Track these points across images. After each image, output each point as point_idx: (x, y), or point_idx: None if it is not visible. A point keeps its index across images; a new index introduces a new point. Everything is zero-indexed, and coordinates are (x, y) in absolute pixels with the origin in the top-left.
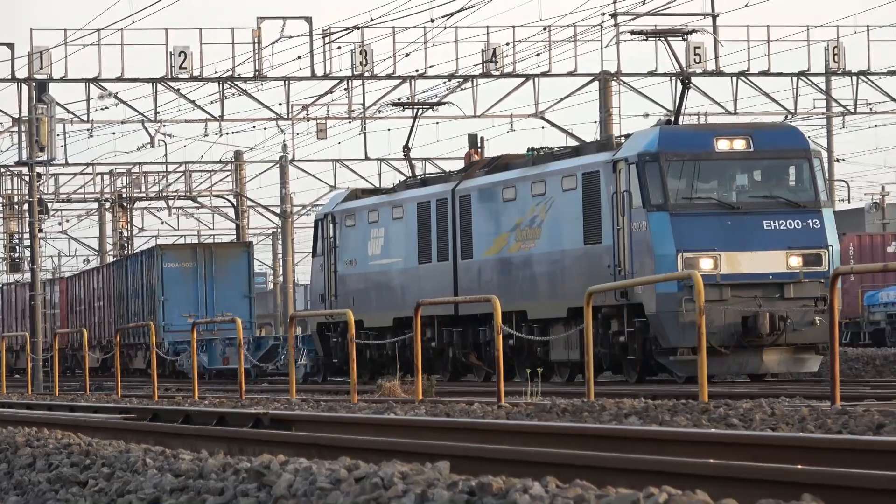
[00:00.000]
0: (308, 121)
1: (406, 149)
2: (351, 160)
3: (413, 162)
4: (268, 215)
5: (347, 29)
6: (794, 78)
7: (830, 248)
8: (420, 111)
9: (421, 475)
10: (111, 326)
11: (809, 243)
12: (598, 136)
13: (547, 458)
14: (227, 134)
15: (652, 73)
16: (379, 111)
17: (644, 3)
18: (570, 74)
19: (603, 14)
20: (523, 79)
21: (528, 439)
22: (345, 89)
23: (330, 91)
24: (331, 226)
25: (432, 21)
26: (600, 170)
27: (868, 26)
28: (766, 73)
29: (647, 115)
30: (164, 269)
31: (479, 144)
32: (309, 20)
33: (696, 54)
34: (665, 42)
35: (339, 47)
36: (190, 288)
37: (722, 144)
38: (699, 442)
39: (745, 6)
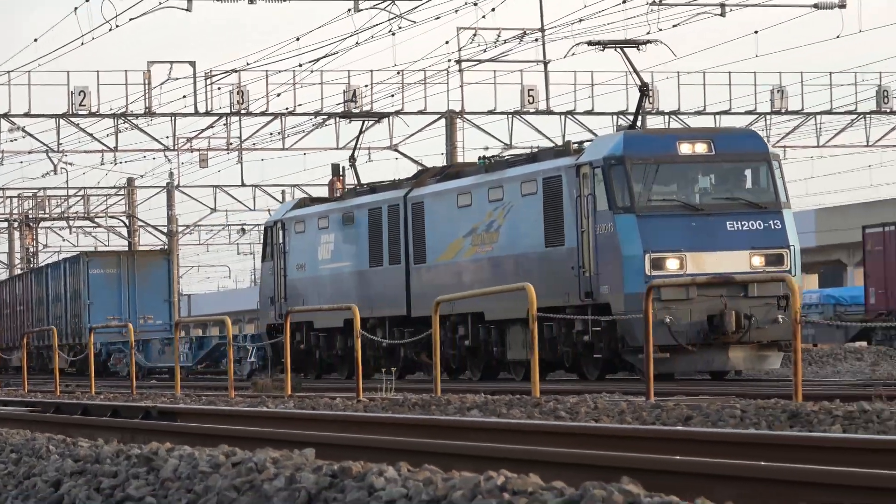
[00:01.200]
0: (192, 151)
1: (352, 159)
2: (229, 186)
3: (293, 189)
4: (156, 234)
5: (226, 72)
6: (615, 116)
7: (792, 247)
8: (365, 123)
9: (290, 460)
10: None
11: (771, 243)
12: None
13: (400, 446)
14: (120, 163)
15: (491, 112)
16: (254, 143)
17: (485, 52)
18: (421, 112)
19: (449, 60)
20: (379, 116)
21: (384, 429)
22: (224, 124)
23: (211, 126)
24: (280, 232)
25: (300, 65)
26: (562, 174)
27: (678, 72)
28: (590, 112)
29: (486, 148)
30: (90, 274)
31: (340, 173)
32: (193, 64)
33: (529, 95)
34: (621, 52)
35: (219, 88)
36: (114, 292)
37: (685, 148)
38: (532, 432)
39: (573, 55)
